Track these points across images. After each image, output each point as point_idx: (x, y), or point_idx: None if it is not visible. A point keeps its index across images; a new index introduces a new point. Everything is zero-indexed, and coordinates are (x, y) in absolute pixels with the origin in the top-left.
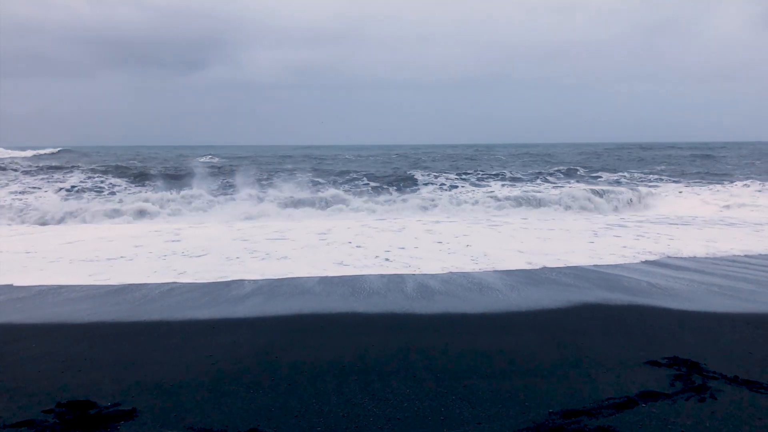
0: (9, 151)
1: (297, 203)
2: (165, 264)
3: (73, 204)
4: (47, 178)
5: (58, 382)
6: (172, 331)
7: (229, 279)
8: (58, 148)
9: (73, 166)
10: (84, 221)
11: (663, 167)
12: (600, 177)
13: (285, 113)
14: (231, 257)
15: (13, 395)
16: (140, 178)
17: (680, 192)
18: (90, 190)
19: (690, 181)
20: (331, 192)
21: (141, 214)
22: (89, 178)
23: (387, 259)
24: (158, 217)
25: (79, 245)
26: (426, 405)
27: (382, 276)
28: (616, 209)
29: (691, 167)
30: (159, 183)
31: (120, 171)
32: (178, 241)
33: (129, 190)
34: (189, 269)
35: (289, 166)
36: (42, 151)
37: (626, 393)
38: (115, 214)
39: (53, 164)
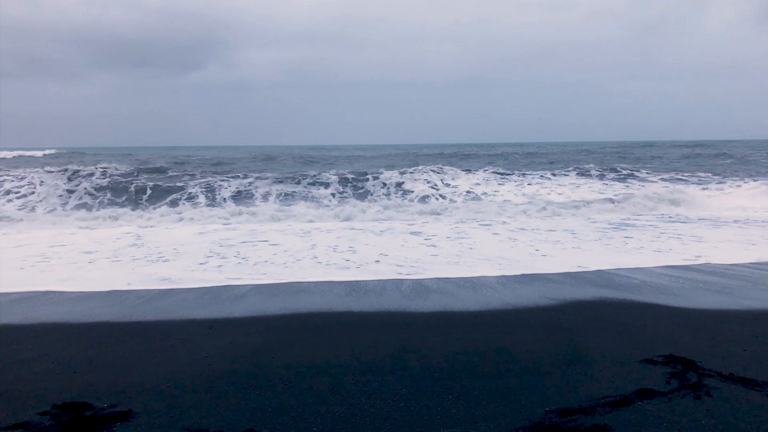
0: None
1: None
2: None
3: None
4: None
5: (53, 384)
6: (168, 331)
7: (226, 281)
8: (48, 150)
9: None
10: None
11: (657, 165)
12: (589, 173)
13: (281, 113)
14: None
15: (9, 397)
16: None
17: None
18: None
19: (697, 179)
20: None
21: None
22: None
23: (399, 265)
24: None
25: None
26: (423, 404)
27: (382, 278)
28: (611, 208)
29: (699, 166)
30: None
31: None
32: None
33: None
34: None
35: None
36: (35, 153)
37: (622, 391)
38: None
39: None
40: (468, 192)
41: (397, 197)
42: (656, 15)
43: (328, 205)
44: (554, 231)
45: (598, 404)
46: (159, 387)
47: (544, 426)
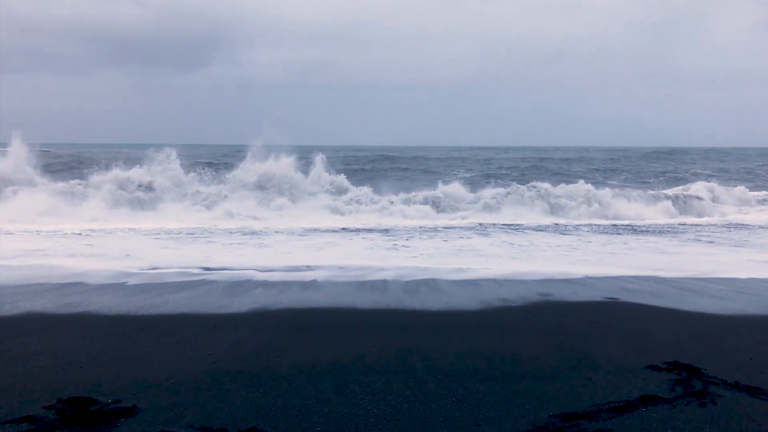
0: None
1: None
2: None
3: None
4: None
5: (58, 378)
6: (172, 328)
7: (233, 277)
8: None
9: None
10: None
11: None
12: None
13: (286, 112)
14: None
15: (14, 391)
16: None
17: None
18: None
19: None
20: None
21: None
22: None
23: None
24: None
25: None
26: (426, 406)
27: (387, 276)
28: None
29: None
30: None
31: None
32: None
33: None
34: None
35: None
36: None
37: (626, 397)
38: None
39: None
40: None
41: None
42: (667, 19)
43: None
44: (580, 245)
45: (602, 410)
46: (163, 384)
47: (547, 430)
